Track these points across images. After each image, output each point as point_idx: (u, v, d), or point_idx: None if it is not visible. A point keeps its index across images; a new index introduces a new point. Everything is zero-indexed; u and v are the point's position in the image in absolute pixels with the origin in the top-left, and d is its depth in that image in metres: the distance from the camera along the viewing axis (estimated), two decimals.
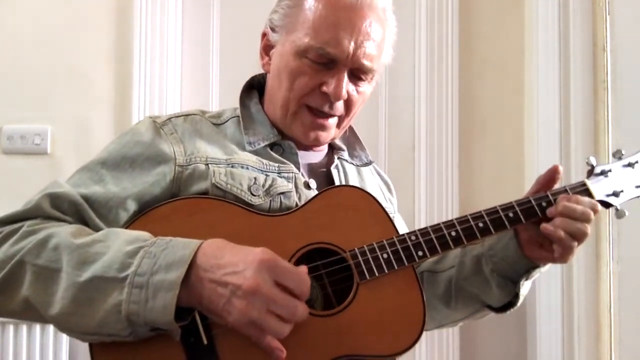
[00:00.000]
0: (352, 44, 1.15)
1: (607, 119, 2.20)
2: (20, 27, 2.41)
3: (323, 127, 1.23)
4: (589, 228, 1.13)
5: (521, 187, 2.28)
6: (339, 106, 1.21)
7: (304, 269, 1.00)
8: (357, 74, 1.20)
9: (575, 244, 1.12)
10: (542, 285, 2.26)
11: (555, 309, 2.22)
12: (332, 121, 1.23)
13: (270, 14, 1.25)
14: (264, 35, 1.26)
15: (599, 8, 2.23)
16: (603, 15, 2.22)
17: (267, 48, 1.26)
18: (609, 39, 2.21)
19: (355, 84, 1.21)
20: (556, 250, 1.13)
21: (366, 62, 1.18)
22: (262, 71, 1.31)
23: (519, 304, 1.24)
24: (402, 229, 1.33)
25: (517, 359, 2.34)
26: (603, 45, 2.22)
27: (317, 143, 1.26)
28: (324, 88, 1.18)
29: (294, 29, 1.19)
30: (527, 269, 1.20)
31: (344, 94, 1.18)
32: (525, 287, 1.22)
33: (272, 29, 1.24)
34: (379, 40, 1.19)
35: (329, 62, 1.17)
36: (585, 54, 2.23)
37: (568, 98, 2.24)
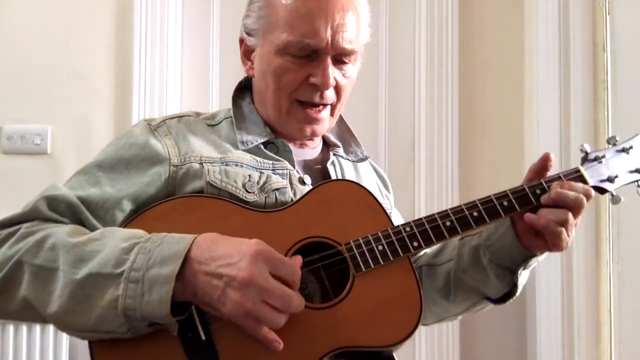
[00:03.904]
0: (329, 30, 1.16)
1: (607, 119, 2.20)
2: (21, 27, 2.42)
3: (317, 121, 1.24)
4: (570, 214, 1.11)
5: None
6: (330, 94, 1.22)
7: (298, 259, 1.02)
8: (340, 58, 1.20)
9: (562, 229, 1.11)
10: (542, 285, 2.26)
11: (555, 309, 2.22)
12: (325, 112, 1.24)
13: (243, 19, 1.26)
14: (242, 41, 1.27)
15: (599, 8, 2.23)
16: (603, 15, 2.22)
17: (247, 53, 1.27)
18: (609, 39, 2.21)
19: (340, 69, 1.22)
20: (547, 237, 1.13)
21: (347, 46, 1.18)
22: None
23: (517, 293, 1.23)
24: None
25: (517, 358, 2.34)
26: (603, 45, 2.22)
27: (313, 136, 1.28)
28: (311, 79, 1.19)
29: (269, 29, 1.20)
30: (525, 258, 1.19)
31: (332, 82, 1.19)
32: (523, 276, 1.21)
33: (248, 34, 1.25)
34: (354, 21, 1.20)
35: (311, 54, 1.18)
36: (585, 54, 2.23)
37: (568, 98, 2.24)
